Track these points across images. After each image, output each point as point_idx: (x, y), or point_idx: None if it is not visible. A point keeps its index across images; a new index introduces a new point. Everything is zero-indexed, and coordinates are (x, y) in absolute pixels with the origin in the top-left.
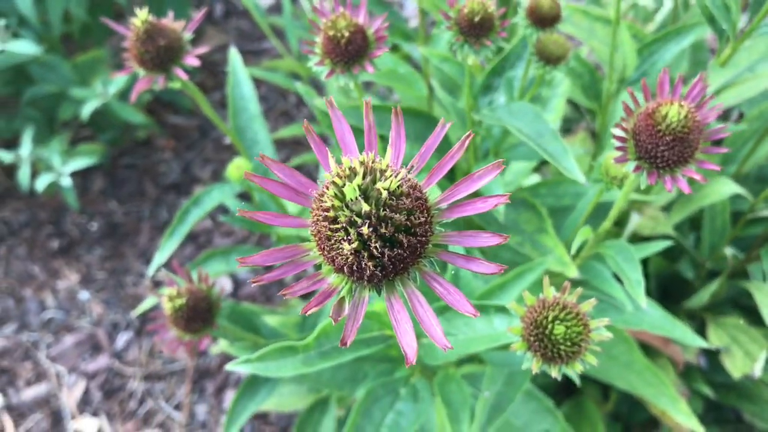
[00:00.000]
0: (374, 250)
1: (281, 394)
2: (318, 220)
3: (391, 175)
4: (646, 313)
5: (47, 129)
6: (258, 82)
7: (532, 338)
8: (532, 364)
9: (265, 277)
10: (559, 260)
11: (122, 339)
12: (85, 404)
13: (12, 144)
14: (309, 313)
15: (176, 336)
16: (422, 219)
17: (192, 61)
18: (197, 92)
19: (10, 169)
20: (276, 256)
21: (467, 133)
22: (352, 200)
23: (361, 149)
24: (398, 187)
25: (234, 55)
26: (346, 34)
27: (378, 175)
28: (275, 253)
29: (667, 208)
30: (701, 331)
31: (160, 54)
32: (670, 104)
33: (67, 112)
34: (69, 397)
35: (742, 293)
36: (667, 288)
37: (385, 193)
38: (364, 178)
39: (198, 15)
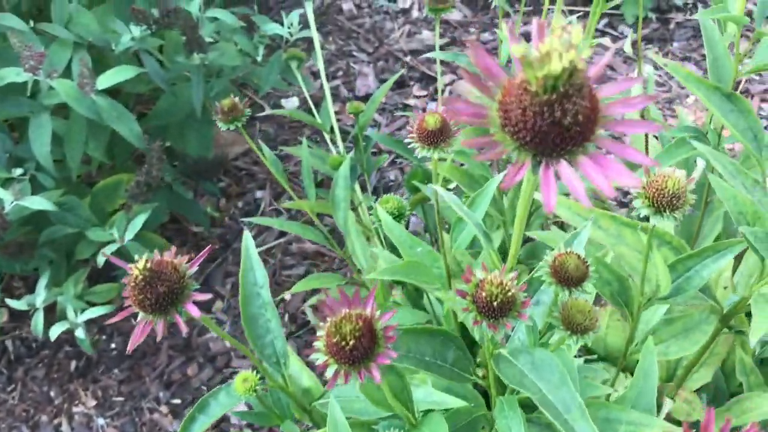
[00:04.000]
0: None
1: None
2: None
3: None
4: None
5: (64, 267)
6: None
7: None
8: None
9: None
10: None
11: None
12: None
13: (31, 278)
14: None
15: None
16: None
17: (192, 310)
18: (211, 323)
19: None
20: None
21: None
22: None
23: None
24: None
25: (247, 238)
26: (351, 341)
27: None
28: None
29: (702, 389)
30: None
31: (160, 300)
32: None
33: (84, 252)
34: None
35: None
36: None
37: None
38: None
39: (203, 251)
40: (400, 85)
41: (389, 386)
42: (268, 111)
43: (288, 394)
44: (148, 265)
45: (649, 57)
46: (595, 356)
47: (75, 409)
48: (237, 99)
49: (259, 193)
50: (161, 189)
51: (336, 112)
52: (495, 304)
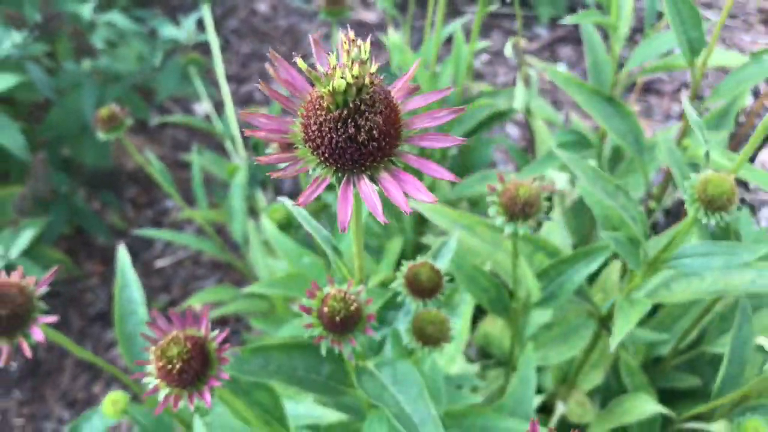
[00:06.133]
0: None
1: None
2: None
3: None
4: None
5: None
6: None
7: None
8: None
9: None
10: None
11: None
12: None
13: None
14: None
15: None
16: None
17: (37, 335)
18: (66, 341)
19: None
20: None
21: None
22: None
23: None
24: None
25: (122, 254)
26: (178, 364)
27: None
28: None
29: (594, 390)
30: None
31: (2, 324)
32: None
33: None
34: None
35: None
36: None
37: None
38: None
39: (51, 272)
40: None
41: (260, 403)
42: (161, 118)
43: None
44: None
45: (531, 62)
46: (493, 360)
47: None
48: (117, 108)
49: (169, 202)
50: (58, 201)
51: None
52: (338, 319)
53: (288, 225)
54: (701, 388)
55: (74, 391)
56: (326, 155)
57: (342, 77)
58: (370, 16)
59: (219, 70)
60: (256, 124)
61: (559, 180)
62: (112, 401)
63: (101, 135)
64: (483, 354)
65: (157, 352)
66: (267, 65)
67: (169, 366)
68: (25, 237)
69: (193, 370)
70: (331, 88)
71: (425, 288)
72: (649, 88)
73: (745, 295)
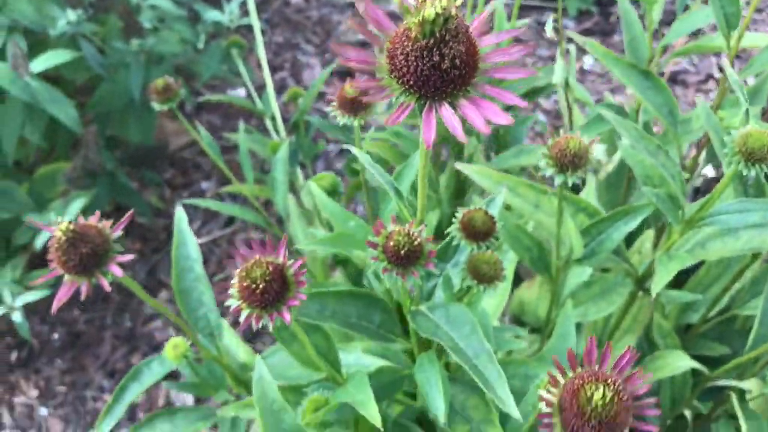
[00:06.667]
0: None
1: None
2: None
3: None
4: None
5: (2, 253)
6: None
7: None
8: None
9: None
10: None
11: None
12: None
13: None
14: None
15: None
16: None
17: (116, 272)
18: (136, 285)
19: None
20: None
21: None
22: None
23: None
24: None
25: (179, 213)
26: (262, 285)
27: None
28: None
29: None
30: None
31: (83, 261)
32: (595, 384)
33: (22, 237)
34: None
35: None
36: None
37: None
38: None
39: (125, 217)
40: (348, 76)
41: (316, 347)
42: (205, 97)
43: (222, 366)
44: (72, 227)
45: (570, 36)
46: (527, 328)
47: (16, 400)
48: (171, 79)
49: (204, 184)
50: (103, 177)
51: (284, 104)
52: (402, 252)
53: (333, 192)
54: (731, 356)
55: (113, 362)
56: (411, 83)
57: (432, 7)
58: (394, 7)
59: (260, 51)
60: (346, 56)
61: (597, 150)
62: (174, 345)
63: (156, 105)
64: (517, 322)
65: (241, 273)
66: (356, 4)
67: (253, 286)
68: (76, 206)
69: (274, 291)
70: (420, 18)
71: (480, 231)
72: (674, 79)
73: None
